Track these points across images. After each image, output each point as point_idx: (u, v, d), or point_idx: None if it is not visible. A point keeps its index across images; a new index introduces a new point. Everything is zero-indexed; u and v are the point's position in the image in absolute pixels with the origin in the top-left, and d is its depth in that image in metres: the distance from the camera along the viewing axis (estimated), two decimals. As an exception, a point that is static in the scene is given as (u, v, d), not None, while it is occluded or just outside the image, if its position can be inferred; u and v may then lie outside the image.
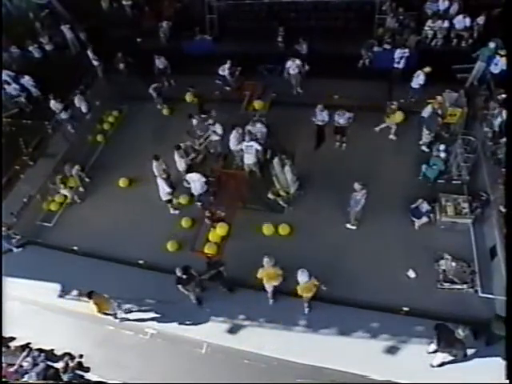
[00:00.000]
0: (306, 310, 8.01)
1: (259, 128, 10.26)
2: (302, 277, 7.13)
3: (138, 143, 12.28)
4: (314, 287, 7.32)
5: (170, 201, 9.89)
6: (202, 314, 8.30)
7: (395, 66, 11.72)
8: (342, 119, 10.11)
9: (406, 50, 11.48)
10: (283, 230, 9.24)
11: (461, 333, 6.12)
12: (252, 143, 9.56)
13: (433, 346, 6.74)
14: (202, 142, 10.73)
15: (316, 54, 12.92)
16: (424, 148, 10.31)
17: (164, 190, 9.54)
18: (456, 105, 10.31)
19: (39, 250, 10.18)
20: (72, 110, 12.53)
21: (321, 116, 10.25)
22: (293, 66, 11.74)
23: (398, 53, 11.58)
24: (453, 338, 6.23)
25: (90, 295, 7.77)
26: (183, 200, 10.23)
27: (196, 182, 9.32)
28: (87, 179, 11.50)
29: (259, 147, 9.63)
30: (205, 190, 9.42)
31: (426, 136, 10.11)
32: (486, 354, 6.74)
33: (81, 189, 11.36)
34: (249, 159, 9.86)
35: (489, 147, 9.28)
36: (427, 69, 10.72)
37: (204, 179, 9.29)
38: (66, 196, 11.04)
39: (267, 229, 9.25)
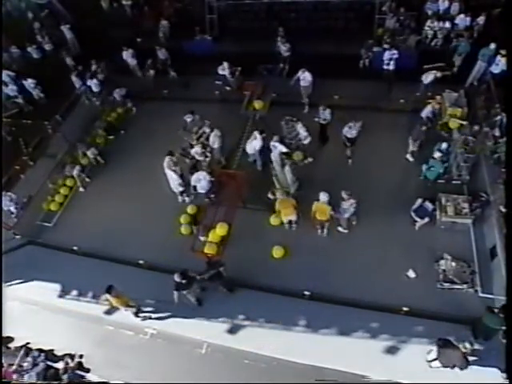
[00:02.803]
0: (324, 233, 8.85)
1: (299, 128, 10.17)
2: (323, 196, 8.11)
3: (139, 143, 12.29)
4: (328, 215, 8.24)
5: (182, 192, 9.94)
6: (202, 313, 8.30)
7: (385, 67, 11.73)
8: (354, 130, 9.73)
9: (395, 52, 11.45)
10: (277, 252, 8.92)
11: (468, 346, 6.12)
12: (277, 144, 9.48)
13: (432, 355, 6.73)
14: (198, 137, 10.74)
15: (316, 55, 12.91)
16: (408, 157, 10.21)
17: (175, 181, 9.62)
18: (456, 105, 10.32)
19: (39, 250, 10.19)
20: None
21: (323, 115, 10.23)
22: (302, 76, 11.23)
23: (387, 54, 11.58)
24: (455, 354, 6.22)
25: (109, 290, 7.65)
26: (191, 210, 10.12)
27: (202, 180, 9.37)
28: (87, 179, 11.52)
29: (284, 149, 9.51)
30: (210, 187, 9.47)
31: (412, 144, 10.06)
32: (485, 354, 6.72)
33: (81, 189, 11.40)
34: (272, 156, 9.77)
35: (489, 147, 9.28)
36: (439, 73, 10.84)
37: (209, 177, 9.37)
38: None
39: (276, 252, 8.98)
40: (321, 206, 8.22)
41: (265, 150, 10.02)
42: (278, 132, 10.27)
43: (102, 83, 13.33)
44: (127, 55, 13.93)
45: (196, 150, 10.14)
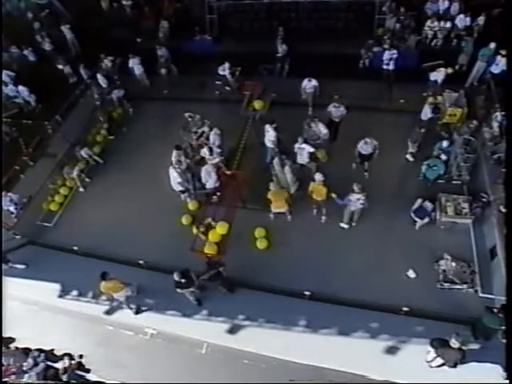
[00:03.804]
0: (323, 219, 9.23)
1: (320, 127, 10.04)
2: (318, 176, 8.48)
3: (139, 143, 12.28)
4: (324, 195, 8.55)
5: (183, 191, 9.91)
6: (202, 313, 8.30)
7: (385, 67, 11.76)
8: (369, 147, 9.28)
9: (395, 52, 11.49)
10: (261, 243, 9.14)
11: (454, 342, 6.13)
12: (304, 145, 9.44)
13: (431, 355, 6.71)
14: (198, 137, 10.74)
15: (316, 55, 12.98)
16: (408, 157, 10.24)
17: (175, 180, 9.58)
18: (456, 105, 10.31)
19: (39, 250, 10.18)
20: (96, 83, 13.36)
21: (339, 112, 10.19)
22: (308, 85, 11.22)
23: (387, 54, 11.61)
24: (450, 351, 6.23)
25: (103, 277, 7.78)
26: (192, 206, 10.17)
27: (211, 172, 9.39)
28: (87, 179, 11.53)
29: (312, 149, 9.51)
30: (217, 181, 9.54)
31: (411, 146, 10.08)
32: (485, 354, 6.74)
33: (81, 189, 11.41)
34: (300, 160, 9.71)
35: (489, 147, 9.29)
36: (450, 70, 10.90)
37: (215, 170, 9.42)
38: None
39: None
40: (317, 186, 8.57)
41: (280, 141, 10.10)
42: (278, 131, 10.29)
43: (110, 80, 13.37)
44: (133, 63, 13.56)
45: (204, 151, 10.07)
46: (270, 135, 10.02)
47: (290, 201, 9.06)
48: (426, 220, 8.72)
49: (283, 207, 9.01)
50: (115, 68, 13.87)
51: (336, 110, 10.24)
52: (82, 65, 13.59)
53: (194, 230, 9.39)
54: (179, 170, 9.61)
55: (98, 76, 13.16)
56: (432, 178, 9.32)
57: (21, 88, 13.60)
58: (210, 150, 10.05)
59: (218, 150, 10.15)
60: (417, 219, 8.76)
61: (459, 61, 11.94)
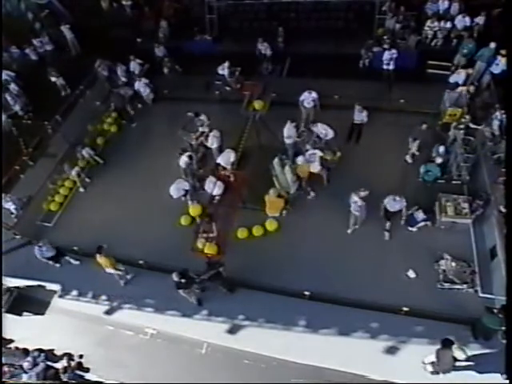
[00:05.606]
0: (311, 195, 9.82)
1: (320, 128, 9.98)
2: (300, 158, 9.24)
3: (140, 143, 12.30)
4: (312, 169, 9.34)
5: (184, 195, 9.84)
6: (202, 313, 8.31)
7: (385, 67, 11.75)
8: (397, 205, 8.41)
9: (395, 52, 11.48)
10: (270, 225, 9.42)
11: (455, 348, 6.19)
12: (316, 151, 9.40)
13: (430, 358, 6.71)
14: (198, 136, 10.74)
15: (316, 55, 13.00)
16: (407, 158, 10.17)
17: (182, 188, 9.62)
18: (456, 105, 10.31)
19: (39, 250, 10.17)
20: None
21: (360, 116, 10.23)
22: (308, 98, 10.78)
23: (387, 54, 11.59)
24: (448, 355, 6.25)
25: (99, 250, 8.16)
26: (193, 212, 10.02)
27: (217, 182, 9.43)
28: (87, 179, 11.53)
29: (321, 153, 9.47)
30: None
31: (411, 143, 10.04)
32: (485, 354, 6.74)
33: (81, 189, 11.41)
34: (312, 167, 9.53)
35: (489, 147, 9.28)
36: (470, 70, 10.94)
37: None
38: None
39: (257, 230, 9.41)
40: (301, 166, 9.26)
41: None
42: (278, 131, 10.33)
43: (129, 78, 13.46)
44: (139, 85, 13.11)
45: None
46: (285, 131, 9.98)
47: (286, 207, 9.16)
48: (421, 224, 8.70)
49: (275, 213, 9.33)
50: (141, 73, 13.56)
51: (358, 115, 10.22)
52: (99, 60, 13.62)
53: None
54: (191, 182, 9.63)
55: (119, 69, 13.24)
56: (430, 180, 9.35)
57: (9, 98, 13.24)
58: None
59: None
60: (407, 226, 8.79)
61: (455, 61, 11.88)
